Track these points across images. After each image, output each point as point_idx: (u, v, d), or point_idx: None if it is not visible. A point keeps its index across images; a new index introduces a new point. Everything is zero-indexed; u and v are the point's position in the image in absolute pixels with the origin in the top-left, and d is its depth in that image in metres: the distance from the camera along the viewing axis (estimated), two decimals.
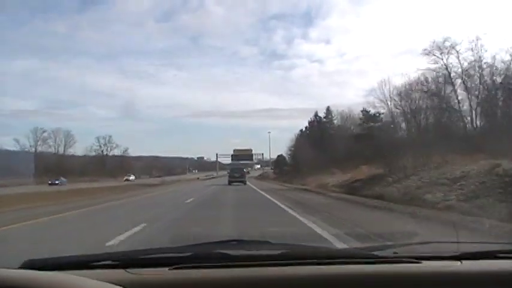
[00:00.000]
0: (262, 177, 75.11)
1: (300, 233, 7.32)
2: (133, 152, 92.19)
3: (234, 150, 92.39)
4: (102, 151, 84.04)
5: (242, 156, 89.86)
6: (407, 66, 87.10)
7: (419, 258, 1.58)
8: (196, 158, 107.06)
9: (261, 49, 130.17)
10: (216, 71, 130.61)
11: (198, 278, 1.44)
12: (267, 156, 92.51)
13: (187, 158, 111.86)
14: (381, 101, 32.73)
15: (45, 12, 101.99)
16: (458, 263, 1.57)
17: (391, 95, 31.77)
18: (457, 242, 1.86)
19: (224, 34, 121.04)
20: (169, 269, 1.47)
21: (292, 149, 61.16)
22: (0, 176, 31.75)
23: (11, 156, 51.08)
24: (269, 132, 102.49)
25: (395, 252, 1.66)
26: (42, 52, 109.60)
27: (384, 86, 32.12)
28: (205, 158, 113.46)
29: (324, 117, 55.70)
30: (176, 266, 1.48)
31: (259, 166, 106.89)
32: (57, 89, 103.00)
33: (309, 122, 58.66)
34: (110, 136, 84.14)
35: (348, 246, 5.23)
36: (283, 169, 61.53)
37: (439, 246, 1.94)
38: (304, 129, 60.84)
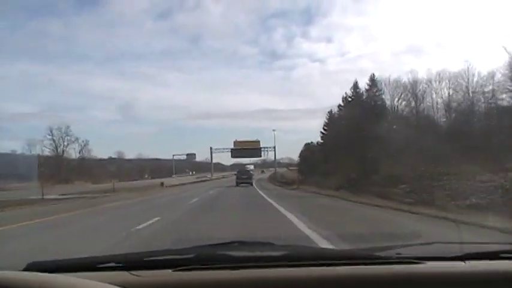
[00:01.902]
0: (279, 182, 47.97)
1: (302, 235, 7.27)
2: (131, 155, 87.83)
3: (236, 143, 73.33)
4: (56, 148, 64.25)
5: (246, 151, 72.67)
6: (410, 65, 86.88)
7: (422, 259, 1.58)
8: (185, 156, 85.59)
9: (261, 49, 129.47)
10: (216, 72, 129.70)
11: (202, 279, 1.44)
12: (271, 157, 78.58)
13: (185, 160, 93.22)
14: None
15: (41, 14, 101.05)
16: (462, 263, 1.57)
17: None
18: (460, 243, 1.85)
19: (223, 34, 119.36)
20: (172, 271, 1.47)
21: (323, 140, 44.08)
22: (5, 179, 31.82)
23: (14, 159, 50.99)
24: (274, 130, 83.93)
25: (398, 253, 1.66)
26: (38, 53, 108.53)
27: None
28: (205, 158, 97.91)
29: (367, 89, 38.25)
30: (179, 268, 1.48)
31: (252, 167, 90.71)
32: (56, 92, 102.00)
33: (344, 100, 40.79)
34: (68, 127, 64.44)
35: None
36: (313, 167, 39.56)
37: (442, 247, 1.93)
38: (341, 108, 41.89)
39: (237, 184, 40.17)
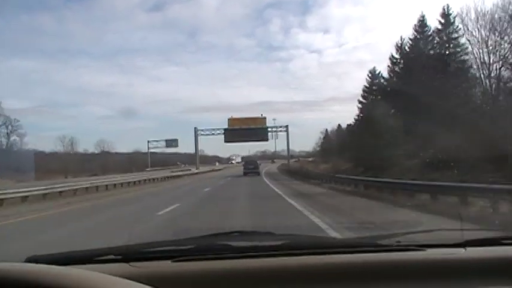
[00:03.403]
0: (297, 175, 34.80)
1: (302, 224, 7.28)
2: (127, 149, 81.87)
3: (231, 121, 57.28)
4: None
5: (246, 132, 55.87)
6: None
7: (423, 246, 1.58)
8: (164, 143, 71.01)
9: (258, 40, 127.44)
10: (213, 65, 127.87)
11: (201, 269, 1.44)
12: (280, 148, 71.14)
13: (184, 153, 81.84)
14: None
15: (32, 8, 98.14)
16: (463, 250, 1.57)
17: None
18: (461, 230, 1.85)
19: (219, 26, 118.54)
20: (172, 262, 1.47)
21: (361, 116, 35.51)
22: (2, 173, 31.68)
23: (10, 154, 50.57)
24: (274, 119, 70.10)
25: (398, 241, 1.66)
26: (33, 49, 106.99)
27: None
28: (205, 152, 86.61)
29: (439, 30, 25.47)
30: (179, 259, 1.48)
31: (239, 160, 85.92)
32: (52, 87, 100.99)
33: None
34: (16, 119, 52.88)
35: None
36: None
37: (443, 234, 1.93)
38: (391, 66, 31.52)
39: (245, 174, 41.51)
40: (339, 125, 60.98)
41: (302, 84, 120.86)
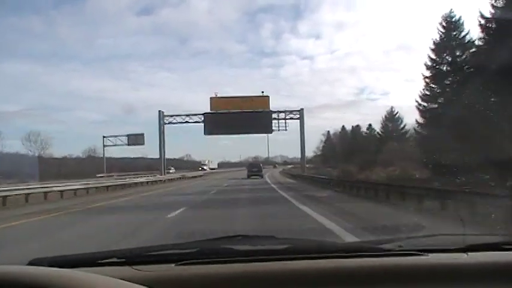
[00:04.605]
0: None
1: (305, 228, 7.23)
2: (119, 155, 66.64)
3: (214, 102, 38.94)
4: None
5: (237, 118, 38.08)
6: (400, 64, 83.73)
7: (424, 251, 1.58)
8: (126, 139, 52.12)
9: (250, 46, 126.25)
10: (204, 71, 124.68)
11: (204, 273, 1.45)
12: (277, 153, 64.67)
13: (174, 159, 74.21)
14: None
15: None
16: (464, 255, 1.57)
17: None
18: (463, 235, 1.85)
19: (210, 31, 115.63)
20: (175, 265, 1.48)
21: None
22: (7, 178, 31.72)
23: (15, 159, 50.25)
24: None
25: (400, 246, 1.66)
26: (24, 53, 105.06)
27: None
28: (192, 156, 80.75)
29: None
30: (182, 262, 1.49)
31: (213, 166, 74.45)
32: (43, 91, 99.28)
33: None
34: None
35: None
36: None
37: (445, 239, 1.93)
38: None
39: (248, 176, 41.13)
40: (343, 126, 57.91)
41: (293, 91, 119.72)
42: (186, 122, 42.08)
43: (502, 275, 1.47)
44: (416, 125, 27.32)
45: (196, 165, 79.94)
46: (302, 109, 43.00)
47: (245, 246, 1.70)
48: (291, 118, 42.77)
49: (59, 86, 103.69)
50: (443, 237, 1.98)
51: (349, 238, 6.27)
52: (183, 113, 42.30)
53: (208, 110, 39.70)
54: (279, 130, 42.78)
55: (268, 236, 1.93)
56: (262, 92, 41.05)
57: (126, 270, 1.45)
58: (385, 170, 27.46)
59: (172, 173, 52.05)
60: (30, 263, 1.46)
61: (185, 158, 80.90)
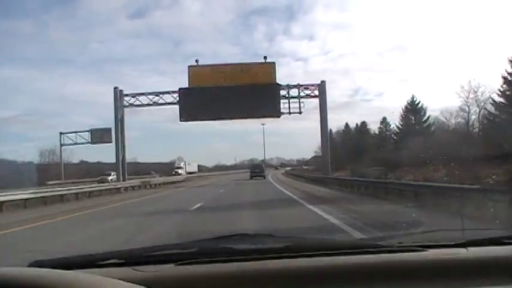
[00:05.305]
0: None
1: (304, 226, 7.21)
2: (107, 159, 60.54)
3: (193, 71, 27.82)
4: None
5: (229, 92, 26.15)
6: (394, 64, 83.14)
7: (424, 247, 1.58)
8: (89, 134, 45.01)
9: (244, 48, 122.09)
10: None
11: (204, 273, 1.45)
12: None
13: (168, 163, 69.49)
14: None
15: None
16: (464, 250, 1.57)
17: None
18: (462, 230, 1.86)
19: (203, 33, 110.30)
20: (175, 265, 1.48)
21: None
22: (5, 185, 31.67)
23: (13, 166, 50.05)
24: (263, 124, 60.43)
25: (399, 242, 1.66)
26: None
27: None
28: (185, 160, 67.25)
29: None
30: (181, 262, 1.49)
31: (192, 170, 63.29)
32: (37, 96, 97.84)
33: None
34: None
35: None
36: None
37: (444, 235, 1.94)
38: None
39: (251, 177, 42.09)
40: (347, 124, 55.42)
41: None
42: (155, 103, 30.53)
43: (503, 270, 1.47)
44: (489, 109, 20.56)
45: (169, 169, 62.26)
46: (323, 82, 29.76)
47: (245, 245, 1.70)
48: (308, 96, 30.16)
49: (51, 90, 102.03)
50: (443, 232, 1.98)
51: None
52: (150, 91, 30.88)
53: (186, 85, 26.88)
54: (290, 114, 29.60)
55: (267, 234, 1.93)
56: (265, 57, 28.72)
57: (126, 271, 1.45)
58: (437, 169, 19.83)
59: (111, 180, 36.25)
60: (31, 264, 1.46)
61: (177, 163, 67.65)
